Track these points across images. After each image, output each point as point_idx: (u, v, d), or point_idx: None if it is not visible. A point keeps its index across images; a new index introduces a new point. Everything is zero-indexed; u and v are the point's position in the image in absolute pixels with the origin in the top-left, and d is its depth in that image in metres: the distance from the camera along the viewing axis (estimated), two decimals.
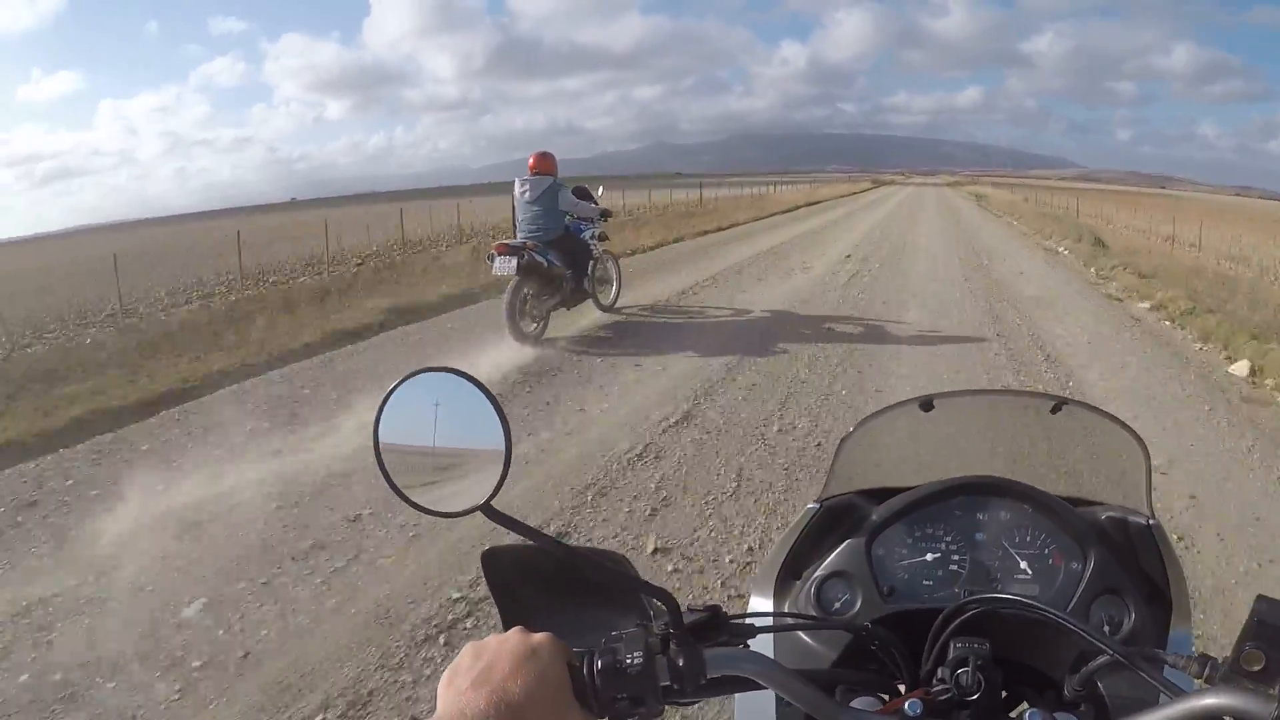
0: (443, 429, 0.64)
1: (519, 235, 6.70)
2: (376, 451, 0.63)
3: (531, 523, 0.64)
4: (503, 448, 0.62)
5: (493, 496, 0.61)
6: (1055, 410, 1.04)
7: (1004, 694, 0.72)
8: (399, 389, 0.63)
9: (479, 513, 0.60)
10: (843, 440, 1.08)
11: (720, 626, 0.65)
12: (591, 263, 7.11)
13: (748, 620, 0.69)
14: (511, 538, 0.63)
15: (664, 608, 0.63)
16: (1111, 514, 0.94)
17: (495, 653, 0.57)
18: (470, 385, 0.62)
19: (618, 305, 7.85)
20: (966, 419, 1.20)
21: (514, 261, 6.20)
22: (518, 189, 6.74)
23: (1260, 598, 0.53)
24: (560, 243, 6.71)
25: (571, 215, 6.96)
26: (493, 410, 0.62)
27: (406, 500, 0.62)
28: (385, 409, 0.63)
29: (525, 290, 6.36)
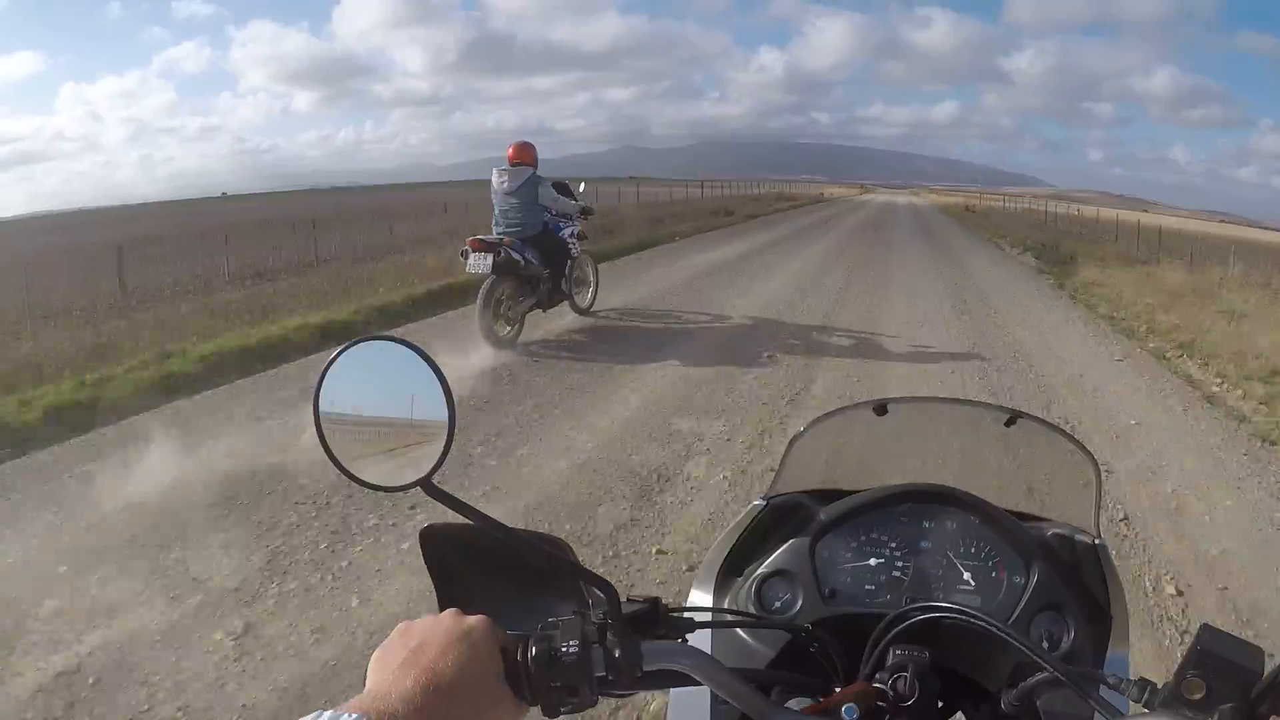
0: (385, 401, 0.62)
1: (495, 230, 6.32)
2: (317, 422, 0.60)
3: None
4: (446, 422, 0.60)
5: (434, 472, 0.59)
6: (1009, 423, 1.04)
7: (940, 704, 0.73)
8: (341, 358, 0.61)
9: (420, 488, 0.59)
10: (794, 439, 1.07)
11: (659, 619, 0.65)
12: (569, 263, 6.77)
13: (687, 614, 0.69)
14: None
15: (603, 597, 0.62)
16: (1058, 530, 0.94)
17: (427, 633, 0.57)
18: (414, 355, 0.60)
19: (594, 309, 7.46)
20: (920, 425, 1.19)
21: (489, 258, 5.82)
22: (495, 179, 6.35)
23: (1205, 627, 0.53)
24: (539, 240, 6.34)
25: (551, 212, 6.58)
26: (437, 382, 0.60)
27: (345, 472, 0.60)
28: (326, 379, 0.61)
29: (500, 291, 5.96)
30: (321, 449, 0.60)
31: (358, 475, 0.60)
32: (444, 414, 0.60)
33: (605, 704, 1.90)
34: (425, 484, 0.59)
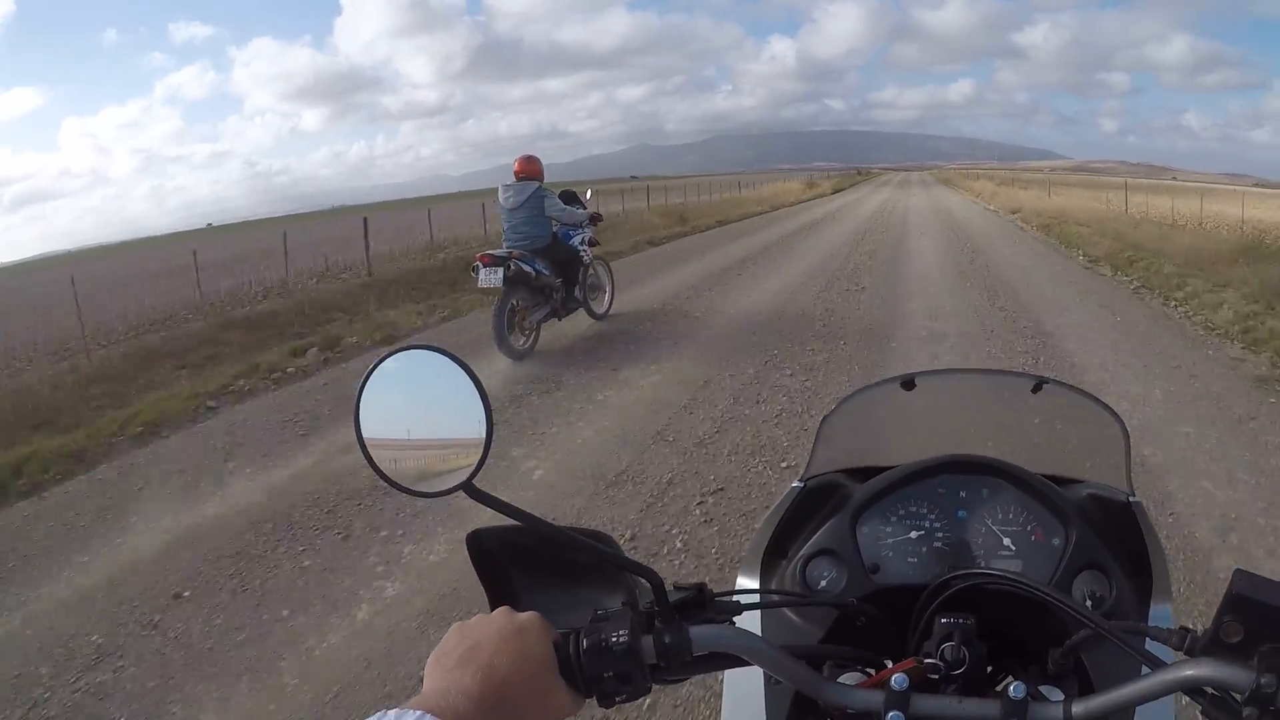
0: (424, 407, 0.64)
1: (504, 244, 6.37)
2: (357, 430, 0.62)
3: None
4: (484, 426, 0.61)
5: (474, 475, 0.60)
6: (1036, 390, 1.06)
7: (989, 668, 0.74)
8: (380, 367, 0.63)
9: (462, 492, 0.60)
10: (824, 419, 1.09)
11: (706, 604, 0.66)
12: (582, 269, 6.81)
13: (733, 598, 0.71)
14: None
15: (649, 586, 0.64)
16: (1092, 491, 0.95)
17: (481, 632, 0.58)
18: (451, 363, 0.62)
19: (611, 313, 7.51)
20: (948, 397, 1.21)
21: (500, 272, 5.86)
22: (501, 195, 6.42)
23: (1239, 571, 0.54)
24: (548, 251, 6.39)
25: (558, 221, 6.64)
26: (473, 387, 0.61)
27: (385, 479, 0.61)
28: (366, 388, 0.63)
29: (513, 302, 6.02)
30: (362, 456, 0.61)
31: (399, 482, 0.61)
32: (482, 418, 0.61)
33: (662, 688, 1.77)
34: (467, 487, 0.60)
